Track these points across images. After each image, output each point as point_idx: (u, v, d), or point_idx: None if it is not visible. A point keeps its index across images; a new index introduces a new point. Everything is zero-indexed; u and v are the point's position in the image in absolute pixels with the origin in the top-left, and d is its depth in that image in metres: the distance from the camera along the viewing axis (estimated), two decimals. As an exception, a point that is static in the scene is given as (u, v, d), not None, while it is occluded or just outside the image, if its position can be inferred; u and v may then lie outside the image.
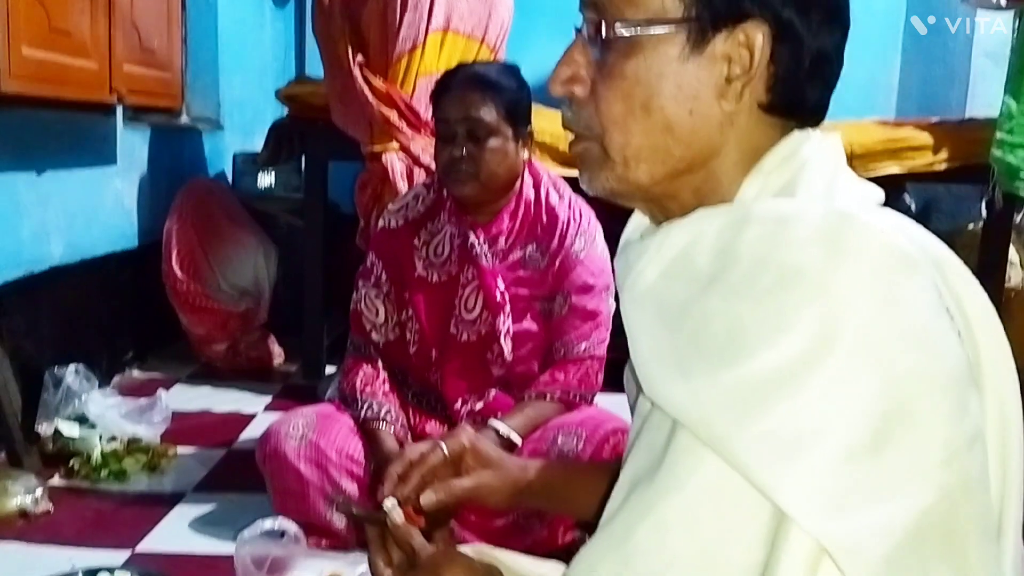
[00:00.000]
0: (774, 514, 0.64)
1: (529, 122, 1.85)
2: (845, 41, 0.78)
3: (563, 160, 2.68)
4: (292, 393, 2.94)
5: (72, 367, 2.38)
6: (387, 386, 1.93)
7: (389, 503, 1.00)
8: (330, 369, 3.13)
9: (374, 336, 1.96)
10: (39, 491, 2.01)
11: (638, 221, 0.86)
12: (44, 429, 2.28)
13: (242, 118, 4.15)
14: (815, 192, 0.73)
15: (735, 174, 0.76)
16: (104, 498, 2.11)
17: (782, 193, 0.74)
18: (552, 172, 2.01)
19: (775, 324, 0.63)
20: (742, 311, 0.65)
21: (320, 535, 1.81)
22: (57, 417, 2.31)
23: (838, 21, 0.77)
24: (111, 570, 1.69)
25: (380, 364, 1.95)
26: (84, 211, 2.81)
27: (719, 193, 0.77)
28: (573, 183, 1.92)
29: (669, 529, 0.68)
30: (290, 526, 1.61)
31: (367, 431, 1.85)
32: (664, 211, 0.80)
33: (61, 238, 2.65)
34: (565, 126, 0.81)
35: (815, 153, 0.76)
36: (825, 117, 0.80)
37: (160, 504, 2.08)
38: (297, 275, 3.19)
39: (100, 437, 2.30)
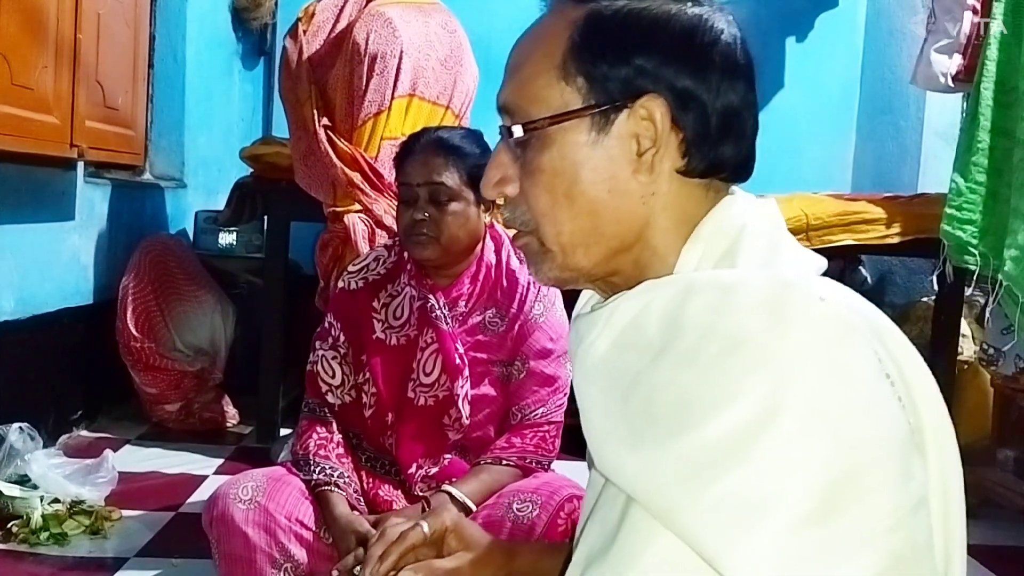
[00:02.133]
0: None
1: (491, 187, 1.86)
2: (752, 90, 0.80)
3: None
4: (245, 455, 2.88)
5: (16, 426, 2.31)
6: (341, 449, 1.89)
7: None
8: (285, 431, 3.07)
9: (329, 398, 1.93)
10: (-26, 555, 1.93)
11: (589, 295, 0.87)
12: (-17, 490, 2.21)
13: (206, 177, 4.15)
14: (757, 259, 0.74)
15: (672, 242, 0.78)
16: (43, 563, 2.04)
17: (723, 260, 0.75)
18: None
19: (722, 393, 0.64)
20: (690, 381, 0.66)
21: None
22: (-2, 477, 2.24)
23: (738, 74, 0.79)
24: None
25: (335, 427, 1.91)
26: (38, 266, 2.76)
27: (660, 263, 0.78)
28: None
29: None
30: (234, 593, 1.55)
31: (319, 495, 1.81)
32: (612, 287, 0.81)
33: (13, 292, 2.60)
34: (506, 224, 0.84)
35: (753, 219, 0.78)
36: (753, 170, 0.82)
37: (101, 570, 2.01)
38: (255, 335, 3.15)
39: (42, 499, 2.23)
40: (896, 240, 2.93)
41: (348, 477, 1.84)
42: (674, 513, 0.64)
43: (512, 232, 2.06)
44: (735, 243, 0.76)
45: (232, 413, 3.28)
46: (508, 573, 1.10)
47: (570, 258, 0.79)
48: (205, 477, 2.68)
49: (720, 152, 0.78)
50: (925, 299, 3.38)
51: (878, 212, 2.93)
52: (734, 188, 0.82)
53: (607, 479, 0.73)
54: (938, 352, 3.00)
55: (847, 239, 2.89)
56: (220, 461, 2.85)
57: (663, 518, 0.65)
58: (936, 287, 3.12)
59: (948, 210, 2.73)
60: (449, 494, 1.73)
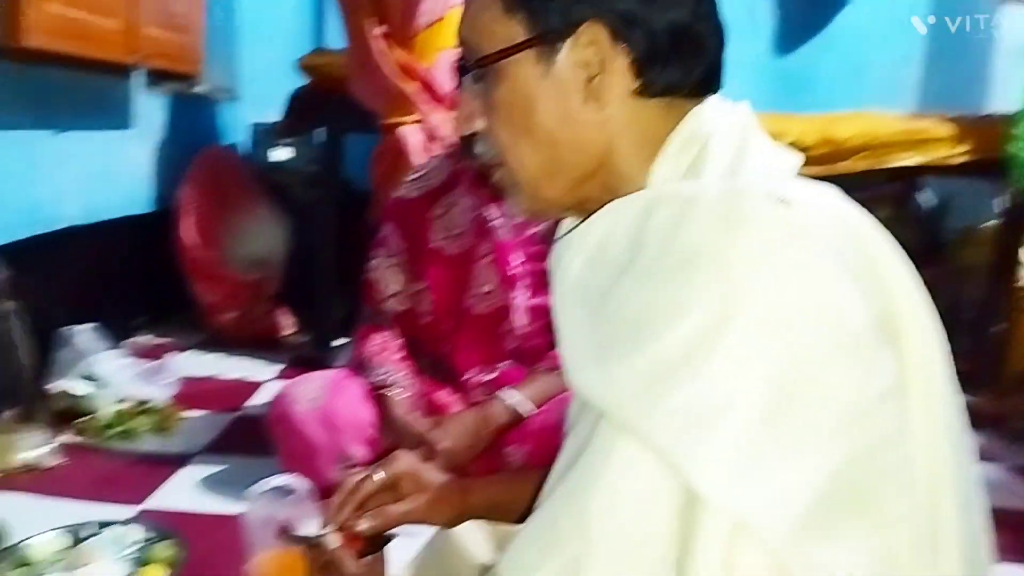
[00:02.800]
0: (689, 493, 0.66)
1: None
2: (704, 2, 0.79)
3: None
4: (301, 364, 2.93)
5: (85, 327, 2.39)
6: (400, 354, 1.93)
7: (326, 529, 1.10)
8: (339, 342, 3.13)
9: (387, 306, 1.96)
10: (48, 447, 2.02)
11: (569, 220, 0.88)
12: (55, 387, 2.30)
13: (260, 89, 4.13)
14: (721, 167, 0.74)
15: (637, 163, 0.78)
16: (112, 456, 2.13)
17: (689, 173, 0.76)
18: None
19: (678, 304, 0.66)
20: (650, 294, 0.67)
21: (328, 499, 1.81)
22: (68, 376, 2.32)
23: None
24: (121, 523, 1.70)
25: (393, 333, 1.95)
26: (100, 174, 2.81)
27: (629, 185, 0.79)
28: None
29: (590, 514, 0.69)
30: (299, 484, 1.61)
31: (378, 398, 1.86)
32: (587, 213, 0.82)
33: (78, 198, 2.66)
34: (483, 157, 0.87)
35: (719, 128, 0.77)
36: (720, 83, 0.81)
37: (167, 464, 2.09)
38: (309, 248, 3.19)
39: (109, 397, 2.31)
40: (961, 160, 2.85)
41: (407, 381, 1.88)
42: (637, 423, 0.67)
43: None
44: (700, 154, 0.76)
45: (288, 323, 3.34)
46: (465, 510, 1.14)
47: (537, 190, 0.81)
48: (263, 383, 2.76)
49: (674, 70, 0.77)
50: (989, 223, 3.29)
51: (944, 131, 2.84)
52: (710, 99, 0.81)
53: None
54: (998, 276, 2.94)
55: (911, 158, 2.82)
56: (277, 369, 2.92)
57: (628, 429, 0.67)
58: (999, 210, 3.04)
59: (1015, 130, 2.64)
60: (504, 400, 1.76)
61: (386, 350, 1.93)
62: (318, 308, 3.15)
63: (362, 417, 1.84)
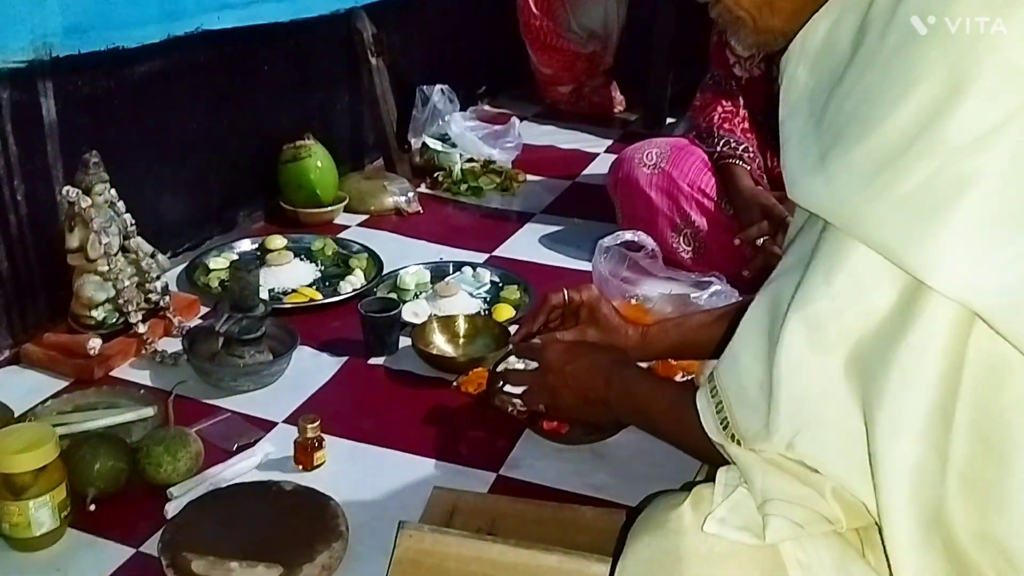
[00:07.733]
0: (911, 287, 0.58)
1: None
2: None
3: None
4: (632, 139, 2.91)
5: (438, 87, 2.52)
6: (746, 124, 1.85)
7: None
8: (671, 120, 3.07)
9: (736, 70, 1.86)
10: (411, 194, 2.21)
11: None
12: (414, 142, 2.48)
13: None
14: None
15: None
16: (463, 209, 2.29)
17: None
18: None
19: (900, 84, 0.58)
20: (871, 80, 0.60)
21: (665, 263, 1.84)
22: (424, 132, 2.49)
23: None
24: (474, 266, 1.85)
25: (740, 101, 1.86)
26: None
27: None
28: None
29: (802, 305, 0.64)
30: (648, 241, 1.64)
31: (722, 167, 1.81)
32: None
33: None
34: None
35: None
36: None
37: (511, 220, 2.22)
38: (645, 22, 3.09)
39: (460, 155, 2.46)
40: None
41: (752, 152, 1.81)
42: (859, 221, 0.59)
43: None
44: None
45: (619, 99, 3.32)
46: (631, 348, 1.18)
47: (761, 21, 0.75)
48: (597, 154, 2.80)
49: None
50: None
51: None
52: None
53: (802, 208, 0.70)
54: None
55: None
56: (609, 142, 2.94)
57: (850, 230, 0.60)
58: None
59: None
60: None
61: (731, 119, 1.85)
62: (652, 82, 3.10)
63: (704, 185, 1.81)
